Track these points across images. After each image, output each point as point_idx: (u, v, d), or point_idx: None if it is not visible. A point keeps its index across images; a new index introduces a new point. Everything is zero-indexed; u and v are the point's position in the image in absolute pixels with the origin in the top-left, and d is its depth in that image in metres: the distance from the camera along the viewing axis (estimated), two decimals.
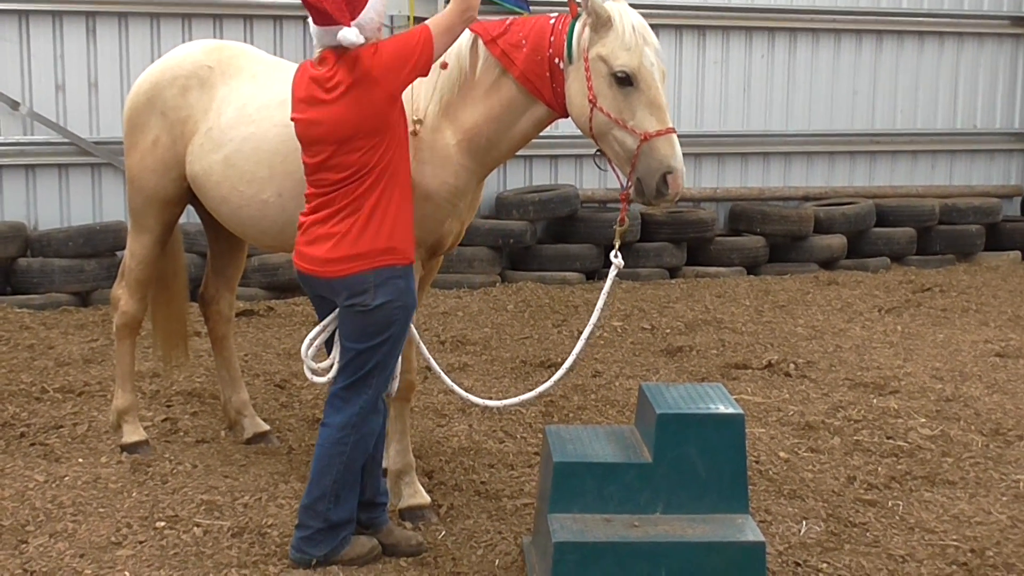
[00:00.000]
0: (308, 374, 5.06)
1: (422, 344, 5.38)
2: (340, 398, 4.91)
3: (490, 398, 7.40)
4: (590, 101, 4.91)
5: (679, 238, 12.10)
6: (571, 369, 5.23)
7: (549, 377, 7.87)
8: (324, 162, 4.80)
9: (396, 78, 4.75)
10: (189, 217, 6.51)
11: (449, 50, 5.12)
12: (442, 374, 5.47)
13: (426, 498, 5.57)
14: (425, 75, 4.91)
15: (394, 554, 5.11)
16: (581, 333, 5.22)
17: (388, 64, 4.73)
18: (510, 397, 7.38)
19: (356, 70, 4.72)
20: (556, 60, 4.99)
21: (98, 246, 10.22)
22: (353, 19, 4.73)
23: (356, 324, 4.83)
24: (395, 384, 5.14)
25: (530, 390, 7.52)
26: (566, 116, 5.12)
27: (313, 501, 4.90)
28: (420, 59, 4.79)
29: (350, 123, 4.72)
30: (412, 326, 5.14)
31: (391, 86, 4.75)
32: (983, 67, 13.99)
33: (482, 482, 6.01)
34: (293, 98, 4.96)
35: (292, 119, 4.95)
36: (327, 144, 4.77)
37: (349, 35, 4.71)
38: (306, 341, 5.05)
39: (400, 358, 5.08)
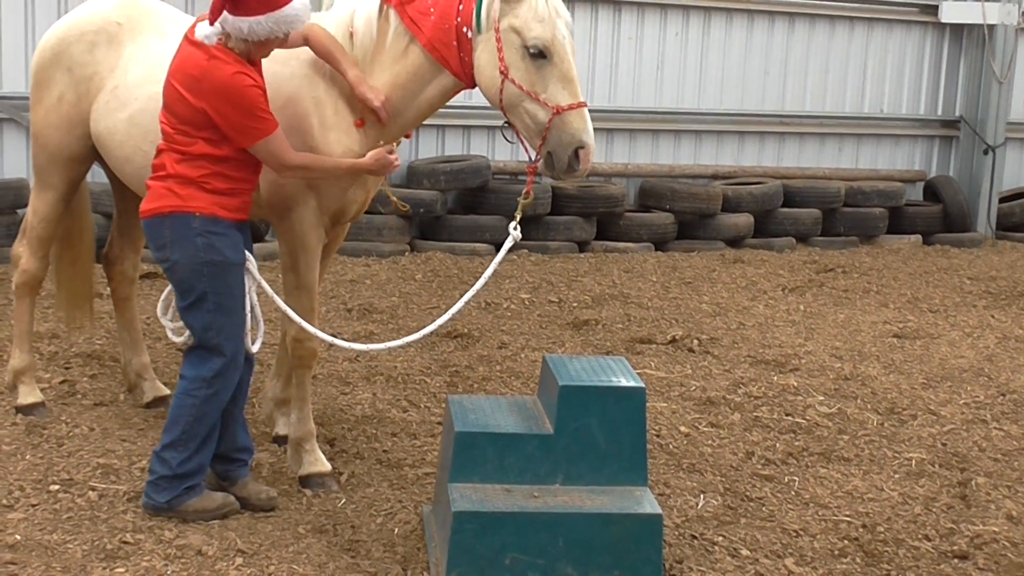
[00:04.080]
0: (169, 334, 5.21)
1: (271, 290, 5.16)
2: (195, 354, 5.01)
3: (395, 367, 7.39)
4: (501, 72, 4.90)
5: (589, 212, 12.15)
6: (444, 326, 5.19)
7: (455, 348, 7.91)
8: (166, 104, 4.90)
9: (213, 109, 4.72)
10: (94, 176, 6.37)
11: (359, 17, 5.13)
12: (296, 317, 5.23)
13: (327, 466, 5.55)
14: (240, 144, 4.82)
15: (247, 507, 5.14)
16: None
17: (222, 98, 4.71)
18: (414, 366, 7.40)
19: (206, 64, 4.73)
20: (464, 29, 4.97)
21: None
22: (219, 18, 4.70)
23: (171, 281, 4.99)
24: (255, 346, 5.12)
25: (436, 360, 7.56)
26: (473, 86, 5.10)
27: (163, 448, 5.00)
28: (239, 126, 4.74)
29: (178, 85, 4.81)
30: (263, 282, 5.08)
31: (207, 108, 4.73)
32: (891, 53, 14.24)
33: (384, 451, 6.00)
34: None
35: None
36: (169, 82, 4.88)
37: (204, 28, 4.77)
38: (160, 301, 5.22)
39: (252, 318, 5.04)
